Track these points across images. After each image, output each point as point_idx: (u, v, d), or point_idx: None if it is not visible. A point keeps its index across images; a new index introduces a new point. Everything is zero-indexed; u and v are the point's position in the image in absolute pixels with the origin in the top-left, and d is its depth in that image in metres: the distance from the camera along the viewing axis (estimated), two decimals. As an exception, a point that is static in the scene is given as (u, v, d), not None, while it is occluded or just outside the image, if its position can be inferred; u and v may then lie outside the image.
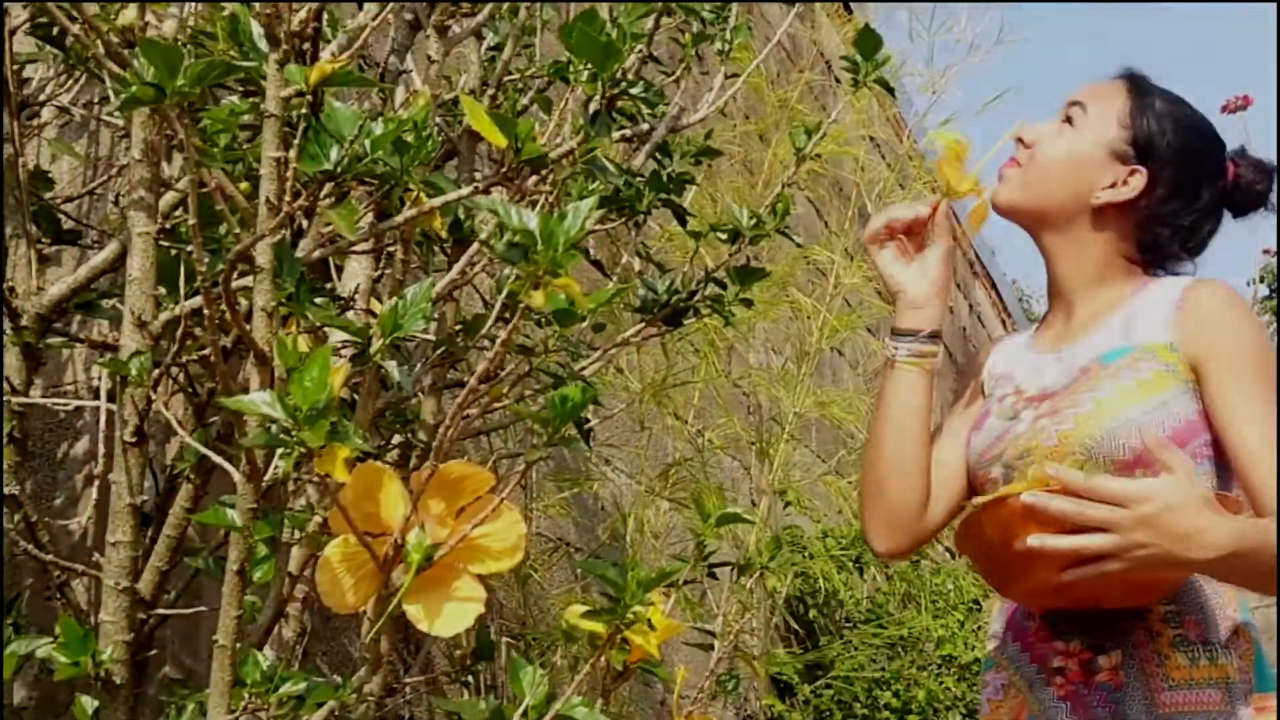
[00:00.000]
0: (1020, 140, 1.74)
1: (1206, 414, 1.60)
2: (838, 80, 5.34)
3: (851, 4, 5.73)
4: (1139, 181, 1.70)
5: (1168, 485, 1.44)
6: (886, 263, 1.72)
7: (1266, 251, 10.86)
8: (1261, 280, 11.06)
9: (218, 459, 1.42)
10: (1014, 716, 1.64)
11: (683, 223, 2.13)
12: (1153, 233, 1.72)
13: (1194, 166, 1.72)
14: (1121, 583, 1.50)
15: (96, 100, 2.14)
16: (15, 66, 1.85)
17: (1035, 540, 1.44)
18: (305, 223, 1.52)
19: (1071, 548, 1.44)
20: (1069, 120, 1.74)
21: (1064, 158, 1.72)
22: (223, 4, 1.59)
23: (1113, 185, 1.71)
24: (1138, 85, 1.75)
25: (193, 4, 1.66)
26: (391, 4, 1.53)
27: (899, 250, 1.72)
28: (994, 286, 8.75)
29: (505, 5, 1.82)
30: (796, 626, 4.48)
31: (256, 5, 1.35)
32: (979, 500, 1.54)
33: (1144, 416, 1.58)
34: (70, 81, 2.04)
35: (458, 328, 1.74)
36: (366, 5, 1.58)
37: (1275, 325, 10.94)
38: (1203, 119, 1.76)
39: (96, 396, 1.98)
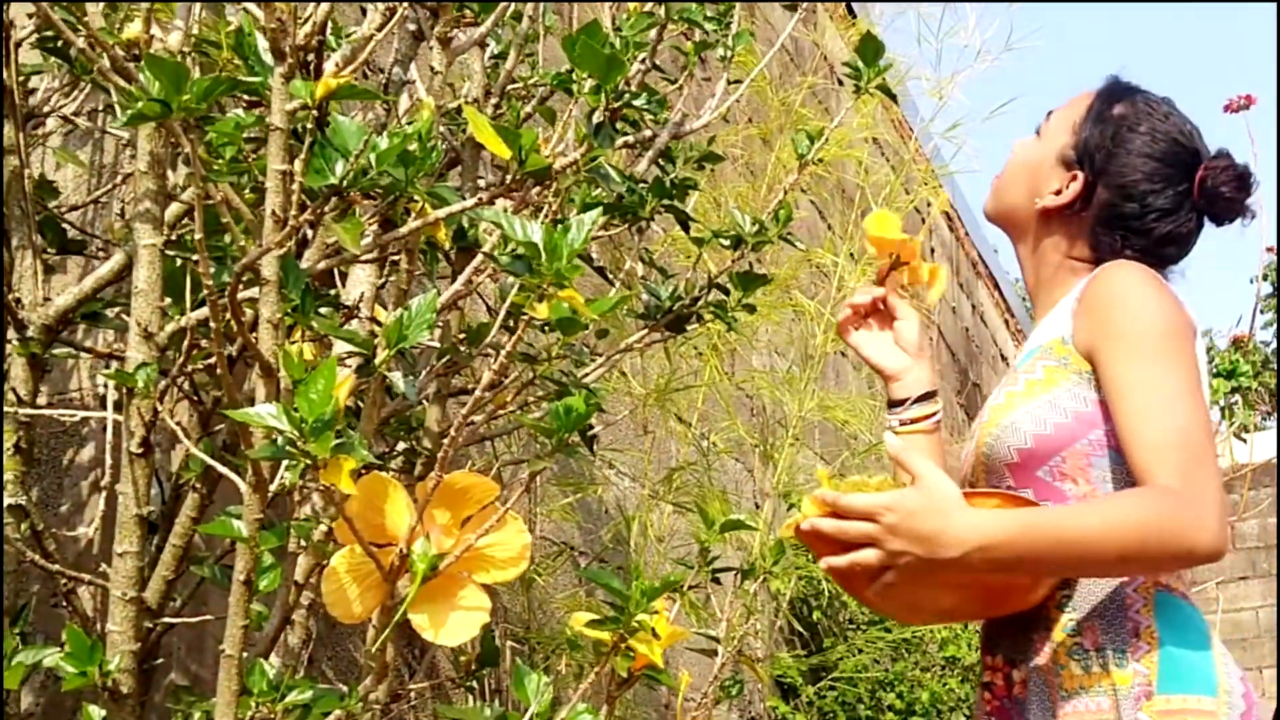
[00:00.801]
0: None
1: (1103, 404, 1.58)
2: (840, 83, 5.34)
3: (854, 5, 5.73)
4: (1075, 187, 1.73)
5: (910, 493, 1.46)
6: (862, 345, 1.82)
7: (1270, 249, 10.86)
8: (1265, 278, 11.06)
9: (224, 469, 1.43)
10: None
11: (686, 228, 2.14)
12: (1100, 237, 1.72)
13: (1144, 171, 1.71)
14: (952, 593, 1.54)
15: (101, 109, 2.15)
16: (21, 78, 1.86)
17: (824, 562, 1.51)
18: (310, 233, 1.53)
19: (845, 564, 1.49)
20: (1038, 132, 1.81)
21: (1020, 165, 1.79)
22: (226, 18, 1.60)
23: (1056, 191, 1.75)
24: (1105, 92, 1.78)
25: (197, 16, 1.67)
26: (395, 15, 1.53)
27: (870, 330, 1.82)
28: (996, 286, 8.75)
29: (509, 13, 1.83)
30: (800, 629, 4.49)
31: (262, 19, 1.35)
32: (781, 532, 1.64)
33: (1026, 417, 1.60)
34: (74, 91, 2.05)
35: (462, 336, 1.74)
36: (370, 16, 1.58)
37: (1279, 323, 10.94)
38: (1173, 125, 1.74)
39: (102, 405, 1.99)
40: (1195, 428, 1.50)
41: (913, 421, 1.76)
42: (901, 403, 1.78)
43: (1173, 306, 1.58)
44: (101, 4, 1.70)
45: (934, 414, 1.77)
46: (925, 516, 1.44)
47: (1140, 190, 1.71)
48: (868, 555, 1.47)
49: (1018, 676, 1.60)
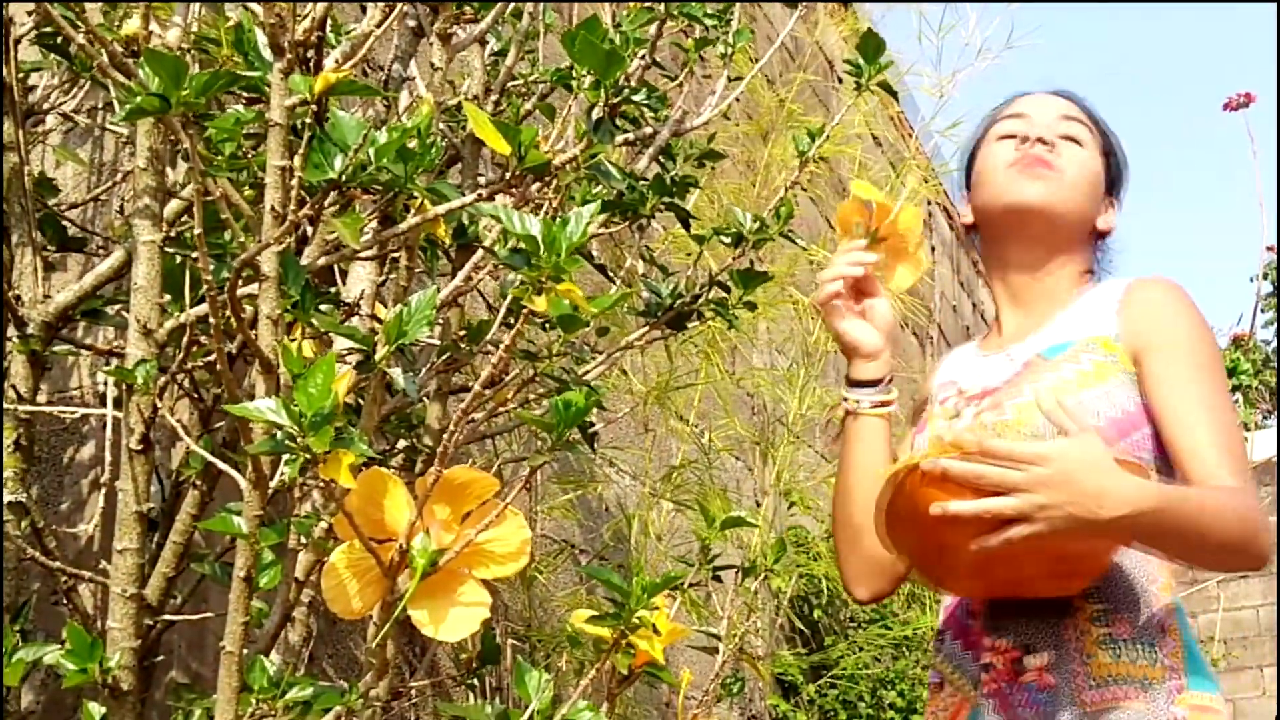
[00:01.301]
0: (1041, 140, 1.74)
1: (1146, 408, 1.60)
2: (839, 79, 5.34)
3: (853, 2, 5.73)
4: (1114, 212, 1.80)
5: (1067, 445, 1.43)
6: (838, 321, 1.73)
7: (1270, 248, 10.85)
8: (1265, 277, 11.05)
9: (224, 466, 1.43)
10: (953, 715, 1.63)
11: (687, 226, 2.13)
12: (1101, 252, 1.81)
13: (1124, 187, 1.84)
14: (1040, 560, 1.48)
15: (100, 106, 2.15)
16: (20, 75, 1.86)
17: (938, 507, 1.42)
18: (310, 230, 1.53)
19: (974, 510, 1.41)
20: (1075, 139, 1.76)
21: (1092, 177, 1.76)
22: (226, 13, 1.60)
23: (1104, 212, 1.79)
24: (1094, 115, 1.82)
25: (196, 12, 1.66)
26: (395, 11, 1.53)
27: (846, 307, 1.74)
28: (997, 285, 8.73)
29: (509, 10, 1.83)
30: (801, 627, 4.49)
31: (261, 14, 1.35)
32: (887, 470, 1.50)
33: (1090, 401, 1.59)
34: (74, 88, 2.05)
35: (462, 333, 1.74)
36: (370, 12, 1.58)
37: (1279, 322, 10.93)
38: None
39: (102, 402, 1.99)
40: (1240, 436, 1.59)
41: (882, 405, 1.73)
42: (874, 383, 1.72)
43: (1206, 320, 1.67)
44: (100, 1, 1.70)
45: (894, 402, 1.76)
46: (1089, 472, 1.41)
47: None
48: (1004, 502, 1.40)
49: (1034, 663, 1.57)
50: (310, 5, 1.46)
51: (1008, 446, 1.42)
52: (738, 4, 2.08)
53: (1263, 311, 11.13)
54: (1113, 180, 1.80)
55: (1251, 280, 10.96)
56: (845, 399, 1.74)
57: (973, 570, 1.51)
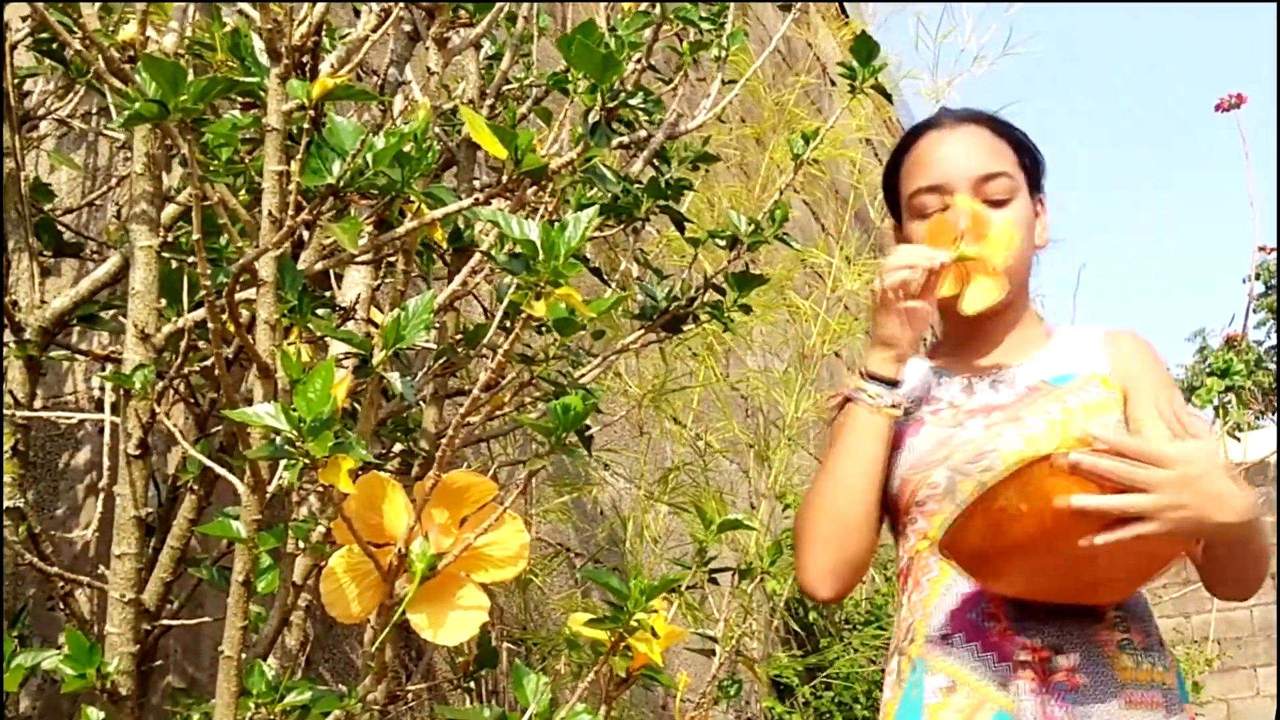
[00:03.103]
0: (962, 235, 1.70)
1: None
2: (833, 83, 5.35)
3: (847, 6, 5.73)
4: (1045, 215, 1.81)
5: (1194, 448, 1.47)
6: (887, 313, 1.68)
7: (1262, 248, 10.88)
8: (1258, 277, 11.09)
9: (222, 470, 1.43)
10: (969, 716, 1.61)
11: (681, 229, 2.14)
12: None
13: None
14: (1120, 566, 1.51)
15: (95, 112, 2.15)
16: (16, 81, 1.86)
17: (1080, 500, 1.43)
18: (306, 235, 1.53)
19: (1119, 506, 1.44)
20: (1001, 199, 1.73)
21: (1026, 226, 1.74)
22: (223, 19, 1.60)
23: (1037, 218, 1.80)
24: (1003, 125, 1.79)
25: (192, 17, 1.67)
26: (391, 16, 1.53)
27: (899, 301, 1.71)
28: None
29: (503, 14, 1.83)
30: (797, 628, 4.49)
31: (258, 20, 1.35)
32: (1012, 459, 1.52)
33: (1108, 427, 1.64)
34: (69, 94, 2.05)
35: (458, 337, 1.74)
36: (366, 17, 1.58)
37: (1273, 322, 10.96)
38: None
39: (98, 406, 1.99)
40: None
41: (895, 406, 1.72)
42: (895, 384, 1.70)
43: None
44: (96, 6, 1.70)
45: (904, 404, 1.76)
46: (1213, 476, 1.46)
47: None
48: (1144, 500, 1.44)
49: (1063, 664, 1.59)
50: (307, 10, 1.46)
51: (1138, 445, 1.46)
52: (732, 9, 2.08)
53: (1255, 311, 11.17)
54: (1035, 181, 1.80)
55: (1244, 281, 11.00)
56: (862, 390, 1.70)
57: (1055, 571, 1.52)
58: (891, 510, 1.76)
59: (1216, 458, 1.48)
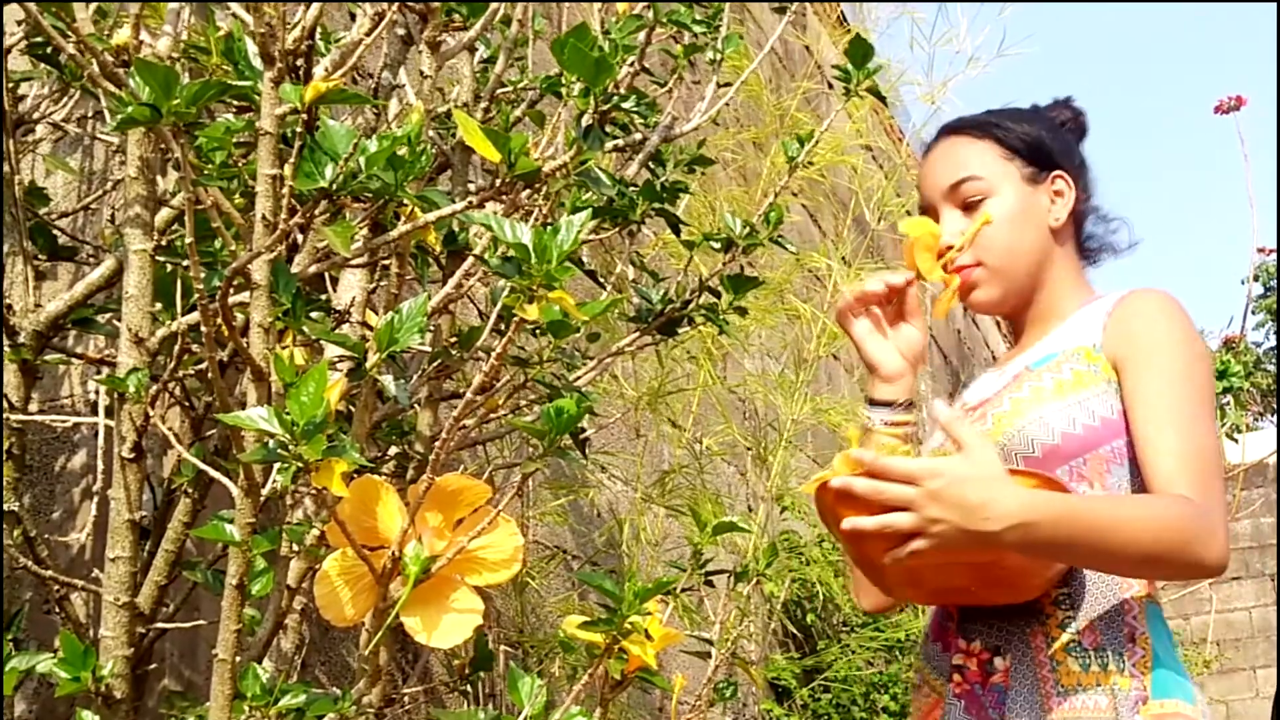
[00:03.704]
0: (949, 246, 1.70)
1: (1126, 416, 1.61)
2: (829, 85, 5.35)
3: (846, 9, 5.74)
4: (1064, 184, 1.73)
5: (957, 460, 1.44)
6: (860, 336, 1.71)
7: (1262, 250, 10.88)
8: (1256, 279, 11.10)
9: (216, 474, 1.43)
10: (926, 714, 1.64)
11: (676, 231, 2.14)
12: (1084, 223, 1.77)
13: (1063, 141, 1.76)
14: (963, 572, 1.51)
15: (90, 115, 2.15)
16: (10, 85, 1.86)
17: (848, 523, 1.45)
18: (300, 238, 1.53)
19: (875, 526, 1.44)
20: (975, 199, 1.70)
21: (1013, 218, 1.70)
22: (216, 23, 1.60)
23: (1052, 202, 1.73)
24: (986, 124, 1.75)
25: (186, 21, 1.67)
26: (385, 20, 1.53)
27: (873, 323, 1.72)
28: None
29: (498, 18, 1.83)
30: (794, 631, 4.49)
31: (251, 24, 1.35)
32: (804, 487, 1.55)
33: (1056, 414, 1.60)
34: (63, 98, 2.05)
35: (453, 340, 1.74)
36: (359, 20, 1.59)
37: (1272, 324, 10.97)
38: (1010, 107, 1.79)
39: (93, 410, 1.99)
40: (1212, 449, 1.56)
41: (897, 424, 1.74)
42: (889, 404, 1.73)
43: (1197, 334, 1.64)
44: (91, 8, 1.70)
45: (912, 423, 1.76)
46: (972, 485, 1.42)
47: (1077, 156, 1.77)
48: (901, 519, 1.43)
49: (1001, 665, 1.59)
50: (301, 14, 1.46)
51: (901, 464, 1.44)
52: (727, 10, 2.08)
53: (1254, 313, 11.18)
54: (1041, 162, 1.72)
55: (1243, 283, 11.01)
56: (861, 414, 1.74)
57: (904, 580, 1.55)
58: None
59: (975, 467, 1.43)
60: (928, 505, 1.42)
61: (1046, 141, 1.74)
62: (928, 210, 1.75)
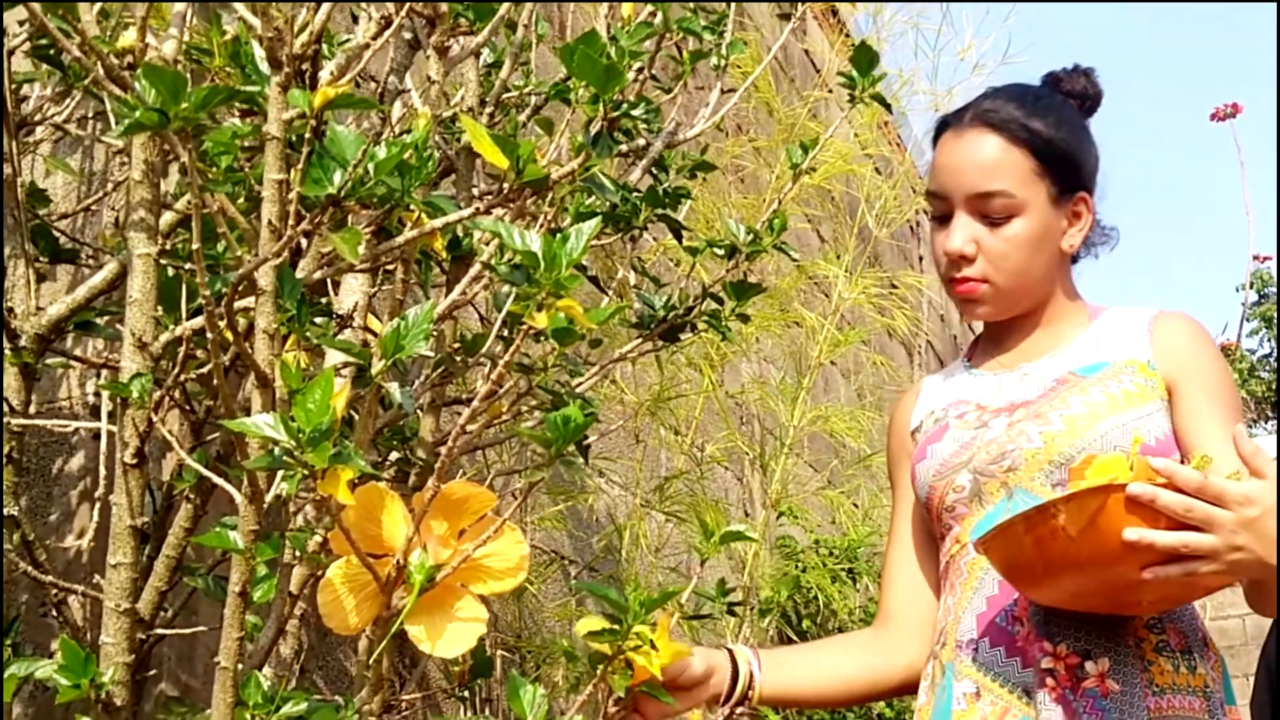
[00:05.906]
0: (963, 257, 1.68)
1: (1175, 435, 1.62)
2: (830, 91, 5.35)
3: (843, 2, 5.72)
4: (1084, 205, 1.71)
5: (1266, 489, 1.40)
6: None
7: (1257, 258, 10.90)
8: (1251, 286, 11.10)
9: (218, 480, 1.42)
10: None
11: (679, 238, 2.13)
12: (1084, 250, 1.77)
13: (1091, 152, 1.74)
14: (1178, 587, 1.46)
15: (91, 117, 2.14)
16: (13, 85, 1.85)
17: (1134, 533, 1.39)
18: (305, 242, 1.52)
19: (1176, 544, 1.39)
20: (1002, 215, 1.67)
21: (1031, 242, 1.67)
22: (222, 26, 1.59)
23: (1070, 224, 1.71)
24: (1028, 128, 1.68)
25: (188, 21, 1.66)
26: (392, 25, 1.53)
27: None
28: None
29: (503, 22, 1.82)
30: (791, 636, 4.49)
31: (258, 27, 1.34)
32: (1068, 491, 1.46)
33: (1133, 422, 1.59)
34: (65, 99, 2.04)
35: (456, 346, 1.74)
36: (366, 25, 1.58)
37: (1272, 331, 10.97)
38: (1050, 99, 1.73)
39: (92, 413, 1.98)
40: None
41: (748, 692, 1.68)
42: (731, 693, 1.66)
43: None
44: (95, 10, 1.69)
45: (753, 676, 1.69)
46: (1274, 517, 1.39)
47: (1095, 162, 1.75)
48: (1203, 540, 1.38)
49: (1093, 669, 1.55)
50: (308, 17, 1.45)
51: (1200, 480, 1.39)
52: (731, 17, 2.08)
53: (1248, 320, 11.18)
54: (1067, 181, 1.69)
55: (1238, 290, 11.02)
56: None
57: (1095, 590, 1.48)
58: (926, 517, 1.76)
59: (1275, 498, 1.40)
60: (1238, 532, 1.39)
61: (1078, 158, 1.71)
62: (939, 196, 1.71)
